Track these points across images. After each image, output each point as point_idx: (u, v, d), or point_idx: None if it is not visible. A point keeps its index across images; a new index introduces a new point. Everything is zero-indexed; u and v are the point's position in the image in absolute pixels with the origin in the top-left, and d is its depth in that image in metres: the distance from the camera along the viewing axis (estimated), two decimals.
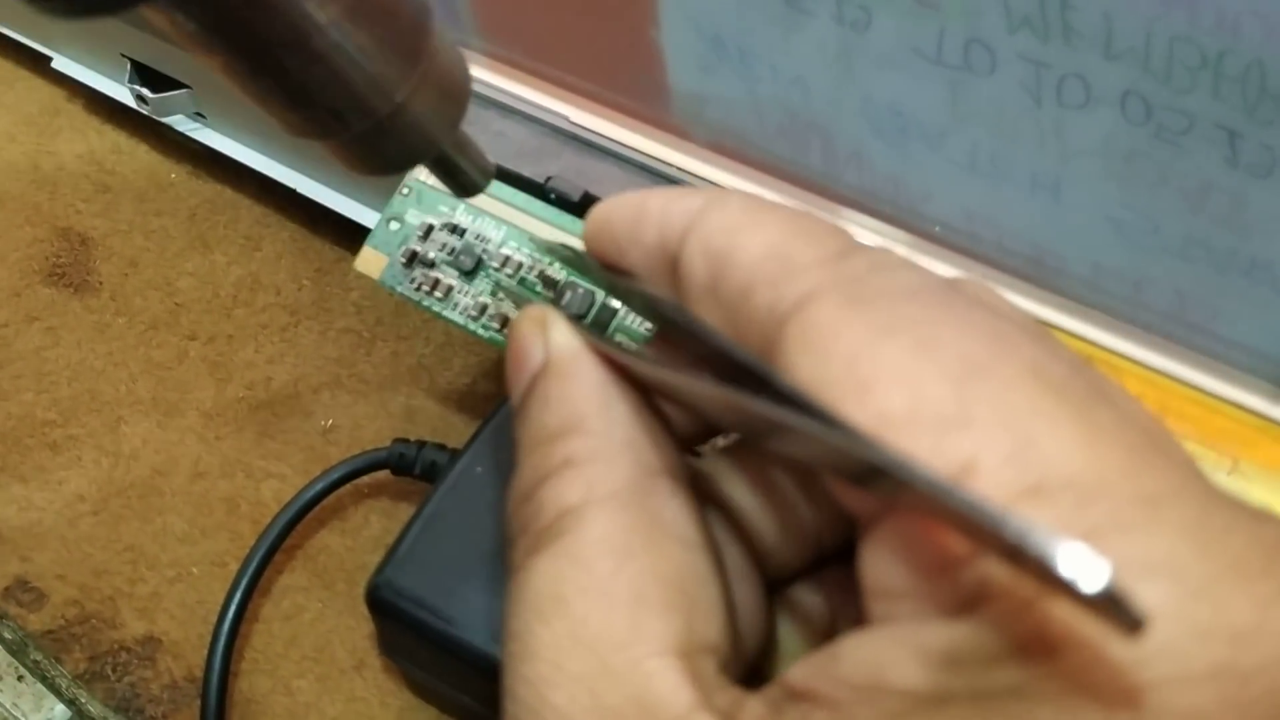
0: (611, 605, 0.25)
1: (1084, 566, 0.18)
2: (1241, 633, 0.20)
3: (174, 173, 0.64)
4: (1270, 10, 0.30)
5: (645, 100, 0.46)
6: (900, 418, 0.23)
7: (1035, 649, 0.21)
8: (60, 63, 0.66)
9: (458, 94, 0.34)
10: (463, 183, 0.36)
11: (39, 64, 0.68)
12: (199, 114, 0.61)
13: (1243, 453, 0.37)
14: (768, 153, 0.44)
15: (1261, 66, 0.31)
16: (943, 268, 0.41)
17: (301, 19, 0.29)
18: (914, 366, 0.24)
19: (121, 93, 0.63)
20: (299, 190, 0.58)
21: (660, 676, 0.24)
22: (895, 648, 0.23)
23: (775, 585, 0.29)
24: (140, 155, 0.65)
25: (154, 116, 0.61)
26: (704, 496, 0.29)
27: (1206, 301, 0.37)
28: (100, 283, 0.60)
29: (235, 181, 0.63)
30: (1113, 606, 0.18)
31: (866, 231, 0.42)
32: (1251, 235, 0.34)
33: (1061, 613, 0.20)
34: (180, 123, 0.61)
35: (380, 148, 0.33)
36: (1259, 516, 0.22)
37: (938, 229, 0.41)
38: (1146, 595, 0.19)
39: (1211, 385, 0.38)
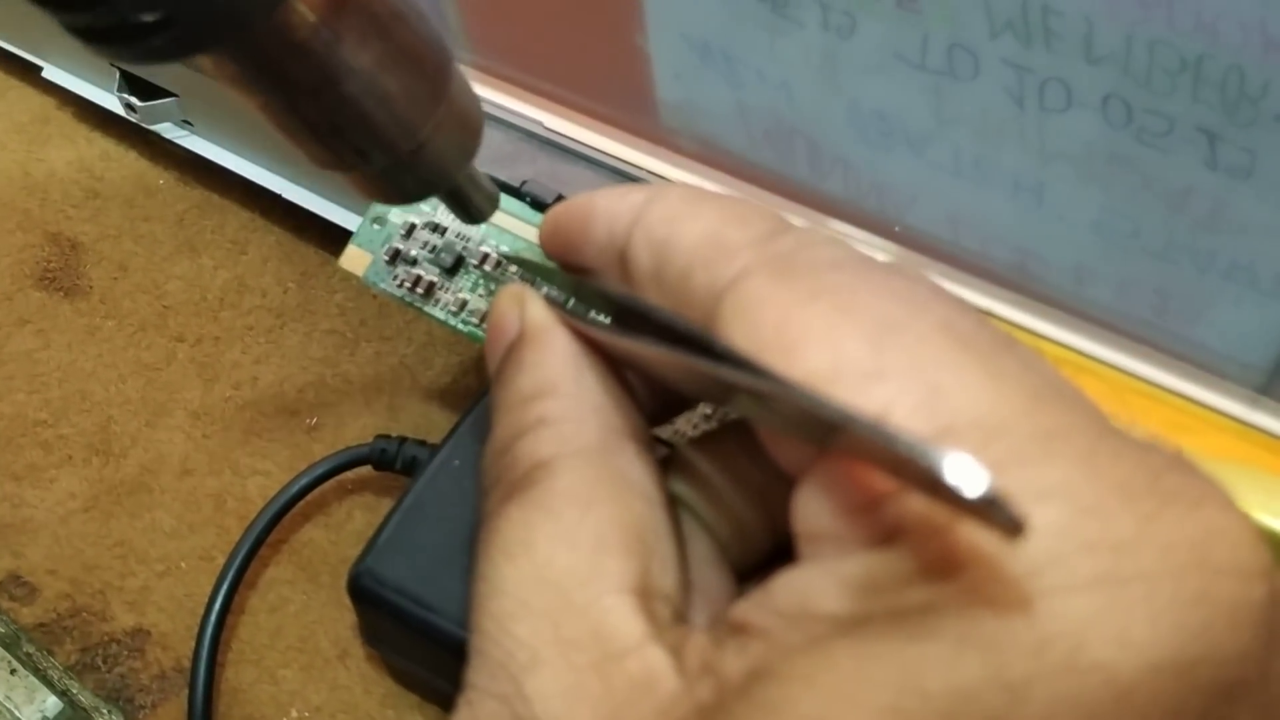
0: (575, 548, 0.26)
1: (967, 474, 0.20)
2: (1123, 543, 0.21)
3: (162, 179, 0.63)
4: (1248, 14, 0.29)
5: (633, 110, 0.46)
6: (823, 374, 0.24)
7: (944, 570, 0.22)
8: (50, 72, 0.65)
9: (473, 131, 0.35)
10: (472, 212, 0.37)
11: (29, 73, 0.67)
12: (186, 121, 0.60)
13: (1221, 456, 0.36)
14: (753, 159, 0.43)
15: (1240, 70, 0.30)
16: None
17: (337, 66, 0.30)
18: (834, 327, 0.25)
19: (110, 101, 0.62)
20: (284, 195, 0.57)
21: (616, 611, 0.25)
22: (820, 578, 0.24)
23: (756, 567, 0.30)
24: (129, 162, 0.64)
25: (142, 124, 0.60)
26: (671, 494, 0.30)
27: (1187, 303, 0.37)
28: (90, 286, 0.59)
29: (222, 187, 0.62)
30: (994, 511, 0.20)
31: (852, 241, 0.41)
32: (1231, 237, 0.34)
33: (965, 537, 0.22)
34: (168, 130, 0.60)
35: (400, 182, 0.34)
36: (1146, 445, 0.23)
37: (898, 229, 0.41)
38: (1040, 516, 0.20)
39: (1190, 390, 0.38)
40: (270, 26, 0.28)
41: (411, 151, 0.33)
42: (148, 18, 0.26)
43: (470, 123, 0.35)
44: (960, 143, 0.37)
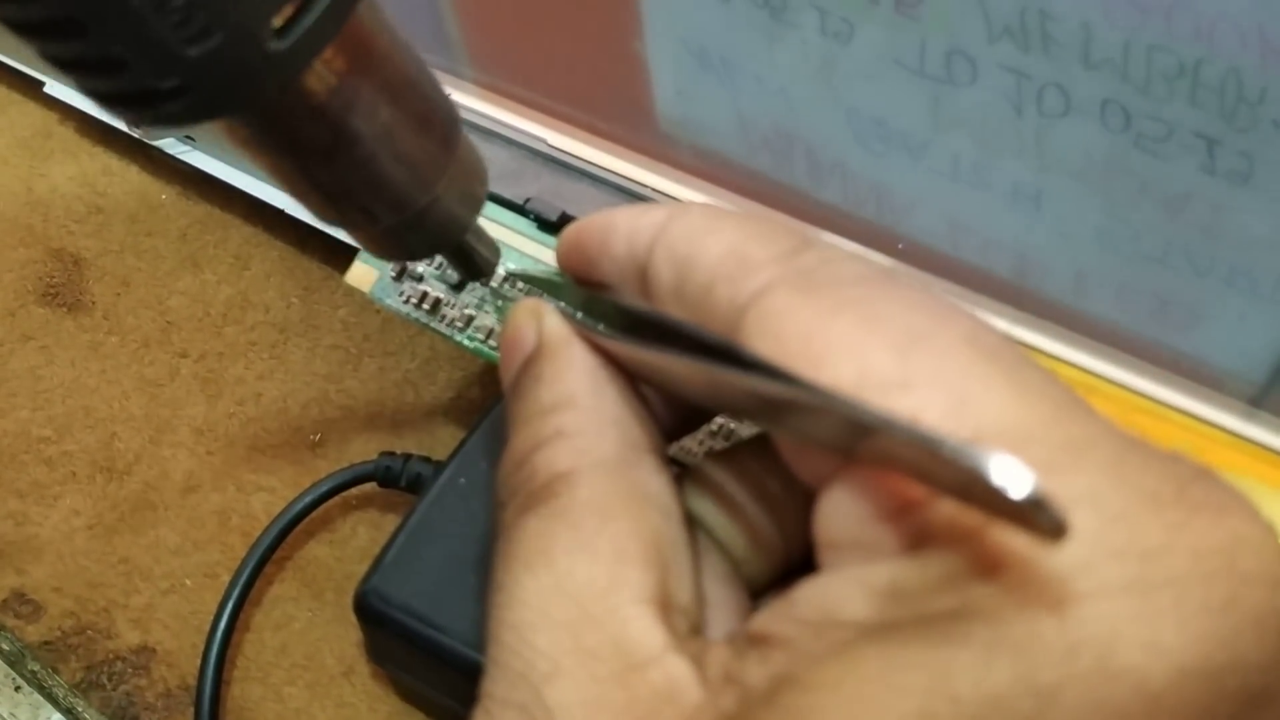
0: (594, 559, 0.26)
1: (1012, 475, 0.20)
2: (1151, 551, 0.21)
3: (164, 194, 0.64)
4: (1245, 19, 0.29)
5: (632, 121, 0.46)
6: (850, 384, 0.24)
7: (972, 576, 0.22)
8: (53, 87, 0.66)
9: (477, 191, 0.35)
10: (476, 267, 0.37)
11: (32, 88, 0.68)
12: (188, 137, 0.60)
13: (1218, 469, 0.36)
14: (752, 167, 0.43)
15: (1237, 74, 0.30)
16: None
17: (350, 131, 0.30)
18: (860, 339, 0.25)
19: (112, 116, 0.61)
20: (287, 211, 0.57)
21: (636, 621, 0.25)
22: (845, 586, 0.24)
23: (768, 586, 0.30)
24: (131, 177, 0.65)
25: (145, 139, 0.61)
26: (686, 510, 0.29)
27: (1186, 310, 0.37)
28: (93, 302, 0.59)
29: (224, 202, 0.62)
30: (1037, 512, 0.20)
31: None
32: (1230, 242, 0.34)
33: (994, 543, 0.22)
34: (170, 145, 0.61)
35: (404, 240, 0.34)
36: (1171, 456, 0.24)
37: (901, 246, 0.41)
38: (1071, 523, 0.20)
39: (1186, 405, 0.38)
40: (287, 92, 0.28)
41: (418, 212, 0.33)
42: (165, 85, 0.27)
43: (475, 182, 0.35)
44: (959, 148, 0.37)
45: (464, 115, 0.48)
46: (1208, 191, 0.33)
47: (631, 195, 0.46)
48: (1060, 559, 0.21)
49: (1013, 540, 0.21)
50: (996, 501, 0.20)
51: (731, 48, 0.40)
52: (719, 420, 0.40)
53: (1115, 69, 0.32)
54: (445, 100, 0.33)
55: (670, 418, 0.32)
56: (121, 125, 0.61)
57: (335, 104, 0.29)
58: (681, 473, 0.30)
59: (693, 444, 0.41)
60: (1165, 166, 0.33)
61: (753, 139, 0.42)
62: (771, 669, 0.24)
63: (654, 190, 0.46)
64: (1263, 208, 0.33)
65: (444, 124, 0.33)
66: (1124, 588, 0.21)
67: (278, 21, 0.27)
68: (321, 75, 0.29)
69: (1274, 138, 0.31)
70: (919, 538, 0.23)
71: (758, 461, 0.30)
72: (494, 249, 0.38)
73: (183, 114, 0.27)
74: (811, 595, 0.25)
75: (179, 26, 0.26)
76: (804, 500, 0.27)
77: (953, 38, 0.34)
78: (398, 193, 0.32)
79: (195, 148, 0.60)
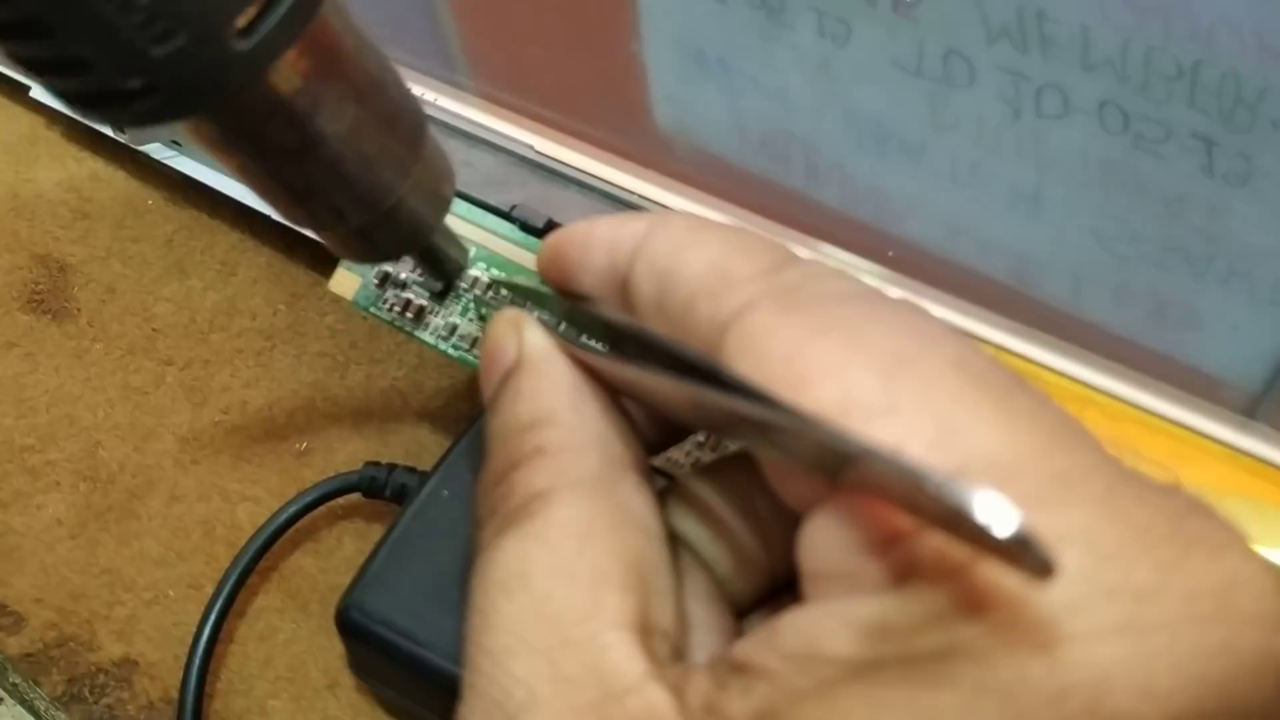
0: (573, 583, 0.26)
1: (997, 512, 0.19)
2: (1145, 592, 0.21)
3: (151, 199, 0.63)
4: (1244, 20, 0.29)
5: (628, 127, 0.46)
6: (833, 408, 0.24)
7: (959, 615, 0.22)
8: (38, 91, 0.65)
9: (445, 190, 0.36)
10: (446, 269, 0.38)
11: (17, 92, 0.67)
12: (175, 142, 0.60)
13: (1213, 482, 0.36)
14: (749, 169, 0.44)
15: (1236, 76, 0.31)
16: (924, 300, 0.40)
17: (316, 131, 0.30)
18: (844, 362, 0.25)
19: (87, 118, 0.61)
20: (274, 216, 0.56)
21: (616, 648, 0.25)
22: (829, 620, 0.24)
23: (753, 604, 0.30)
24: (118, 182, 0.64)
25: (131, 144, 0.60)
26: (669, 527, 0.29)
27: (1183, 313, 0.37)
28: (78, 309, 0.59)
29: (211, 208, 0.62)
30: (1024, 551, 0.19)
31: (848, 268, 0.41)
32: (1228, 244, 0.34)
33: (983, 580, 0.22)
34: (157, 150, 0.60)
35: (374, 240, 0.35)
36: (1164, 489, 0.23)
37: (891, 254, 0.41)
38: (1061, 561, 0.20)
39: (1182, 416, 0.38)
40: (252, 92, 0.29)
41: (387, 211, 0.34)
42: (130, 85, 0.27)
43: (442, 182, 0.36)
44: (957, 150, 0.37)
45: (456, 123, 0.48)
46: (1206, 193, 0.33)
47: (621, 202, 0.46)
48: (1050, 598, 0.21)
49: (1001, 577, 0.21)
50: (983, 538, 0.20)
51: (729, 49, 0.40)
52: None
53: (1113, 70, 0.32)
54: (411, 100, 0.34)
55: (654, 431, 0.32)
56: (108, 130, 0.61)
57: (301, 104, 0.30)
58: (666, 487, 0.30)
59: (679, 455, 0.41)
60: (1163, 168, 0.33)
61: (750, 141, 0.42)
62: (753, 702, 0.23)
63: (645, 199, 0.46)
64: (1261, 209, 0.33)
65: (410, 124, 0.33)
66: (1116, 630, 0.21)
67: (241, 22, 0.27)
68: (286, 75, 0.29)
69: (1272, 139, 0.31)
70: (905, 571, 0.23)
71: (744, 478, 0.29)
72: (462, 250, 0.38)
73: (149, 113, 0.28)
74: (795, 627, 0.24)
75: (143, 27, 0.26)
76: (790, 518, 0.27)
77: (950, 39, 0.34)
78: (365, 192, 0.33)
79: (182, 153, 0.60)
